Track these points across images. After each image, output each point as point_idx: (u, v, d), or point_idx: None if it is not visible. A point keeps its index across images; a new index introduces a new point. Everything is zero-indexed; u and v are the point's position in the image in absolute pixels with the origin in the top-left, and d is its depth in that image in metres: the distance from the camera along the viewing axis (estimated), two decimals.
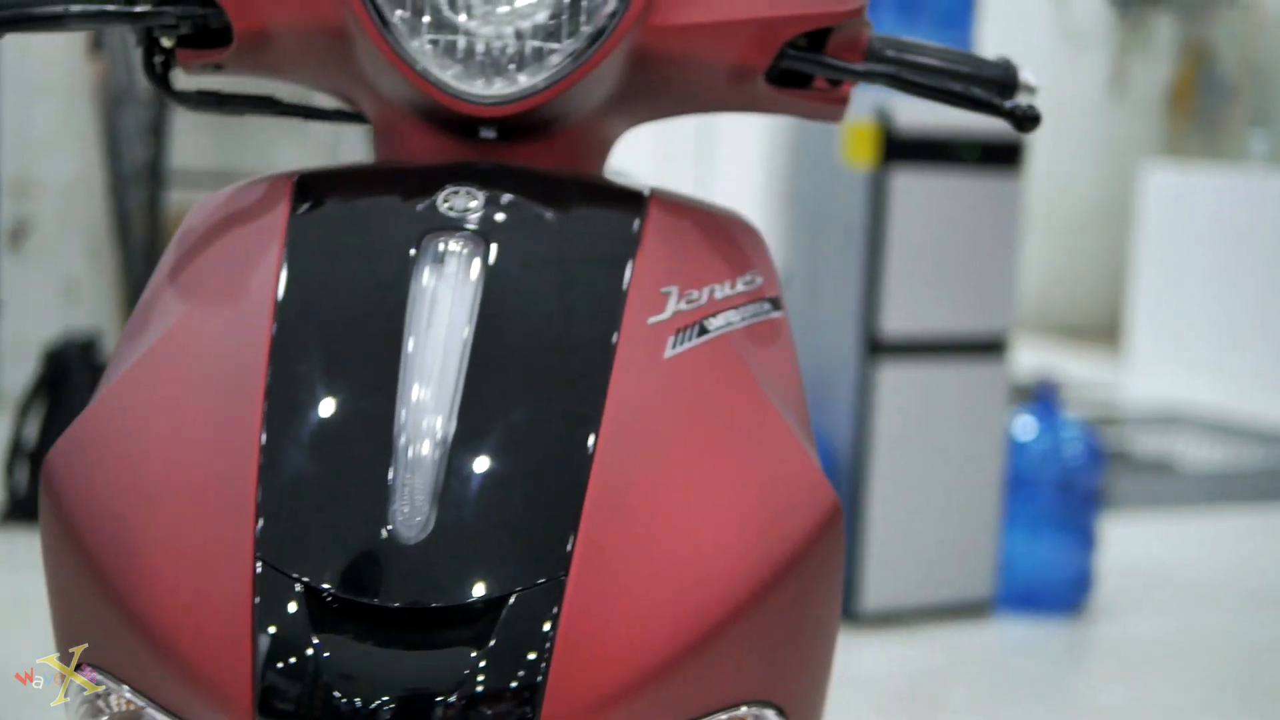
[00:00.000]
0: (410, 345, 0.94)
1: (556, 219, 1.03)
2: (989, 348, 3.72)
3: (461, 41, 1.04)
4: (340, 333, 0.95)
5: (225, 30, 1.09)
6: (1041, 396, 3.86)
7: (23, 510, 4.12)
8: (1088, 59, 9.40)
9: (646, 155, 4.02)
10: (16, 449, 4.17)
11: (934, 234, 3.61)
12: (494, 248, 0.98)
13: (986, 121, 3.63)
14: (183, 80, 1.17)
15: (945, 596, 3.75)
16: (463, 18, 1.04)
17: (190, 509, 0.91)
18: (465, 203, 1.01)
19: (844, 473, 3.66)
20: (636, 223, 1.04)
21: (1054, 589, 3.82)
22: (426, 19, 1.04)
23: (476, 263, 0.98)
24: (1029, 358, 6.32)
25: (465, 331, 0.94)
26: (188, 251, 1.05)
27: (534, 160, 1.09)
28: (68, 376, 4.21)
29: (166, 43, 1.12)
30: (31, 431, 4.19)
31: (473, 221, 1.00)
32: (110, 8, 1.07)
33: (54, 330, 5.18)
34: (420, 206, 1.01)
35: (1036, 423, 3.85)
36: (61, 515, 0.95)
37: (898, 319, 3.59)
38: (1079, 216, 9.46)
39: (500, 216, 1.01)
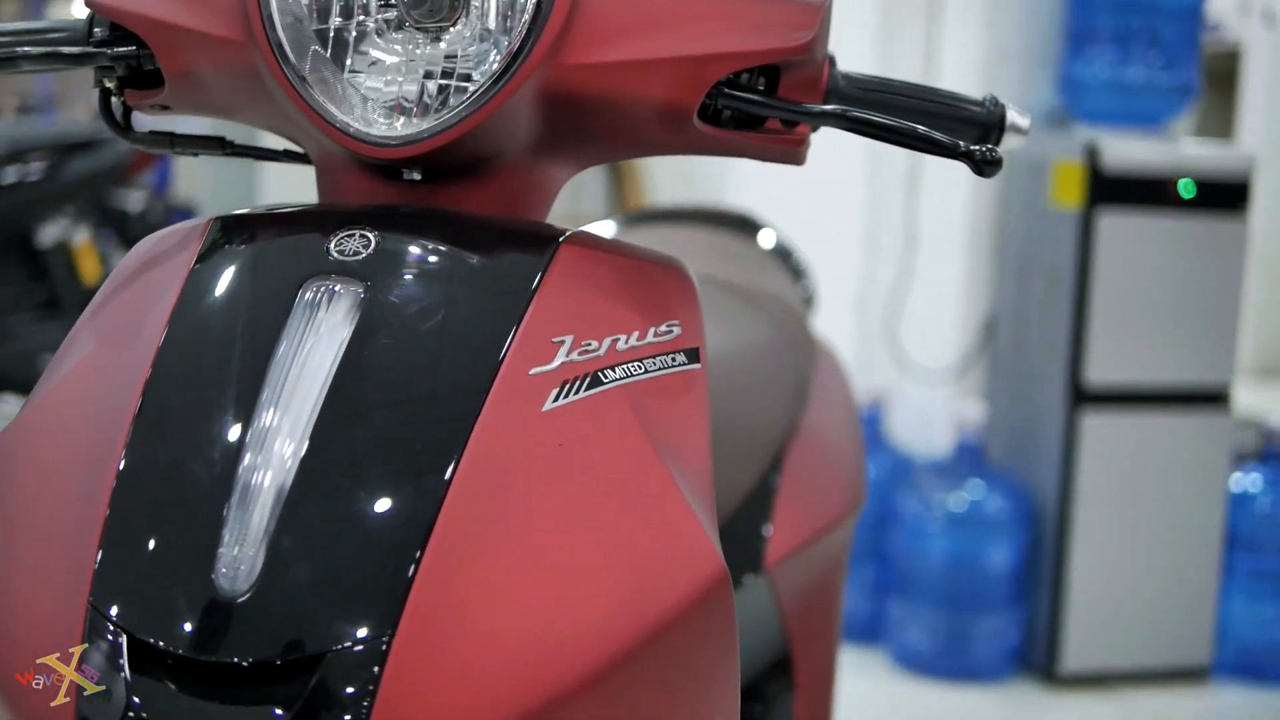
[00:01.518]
0: (265, 395, 0.92)
1: (455, 263, 1.00)
2: (1207, 399, 3.53)
3: (372, 87, 1.03)
4: (207, 376, 0.94)
5: (160, 72, 1.10)
6: (1267, 450, 3.64)
7: None
8: None
9: (858, 200, 3.95)
10: None
11: (1145, 279, 3.44)
12: (374, 292, 0.96)
13: (1205, 160, 3.47)
14: (139, 120, 1.19)
15: (1156, 660, 3.56)
16: (367, 60, 1.03)
17: (44, 555, 0.91)
18: (355, 246, 0.99)
19: (1047, 524, 3.51)
20: (540, 266, 1.00)
21: (1278, 656, 3.59)
22: (337, 65, 1.03)
23: (351, 310, 0.95)
24: (1248, 401, 5.96)
25: (324, 383, 0.92)
26: (112, 292, 1.06)
27: (463, 203, 1.07)
28: None
29: (109, 84, 1.13)
30: None
31: (356, 265, 0.97)
32: (59, 50, 1.10)
33: None
34: (310, 250, 0.99)
35: (1261, 478, 3.63)
36: None
37: (1104, 367, 3.43)
38: None
39: (389, 261, 0.98)
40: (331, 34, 1.03)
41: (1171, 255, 3.46)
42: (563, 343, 0.97)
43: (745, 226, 2.06)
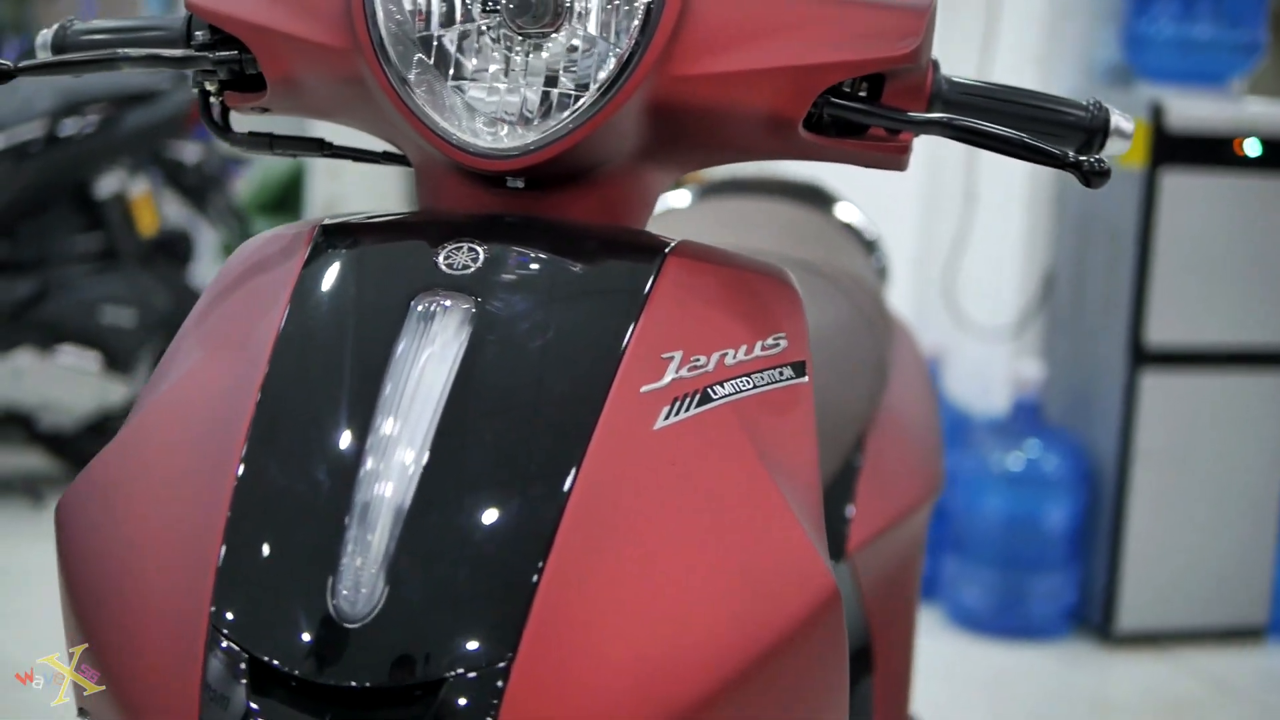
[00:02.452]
0: (381, 411, 0.92)
1: (561, 276, 1.00)
2: (1267, 360, 3.50)
3: (477, 96, 1.03)
4: (319, 396, 0.95)
5: (262, 76, 1.10)
6: None
7: None
8: None
9: (916, 156, 3.92)
10: None
11: (1208, 239, 3.41)
12: (485, 309, 0.96)
13: (1271, 118, 3.43)
14: (238, 121, 1.19)
15: (1211, 619, 3.55)
16: (479, 71, 1.03)
17: (162, 571, 0.92)
18: (464, 260, 0.99)
19: (1105, 484, 3.50)
20: (649, 281, 1.00)
21: None
22: (441, 73, 1.03)
23: (463, 325, 0.95)
24: None
25: (439, 398, 0.93)
26: (214, 298, 1.07)
27: (566, 211, 1.07)
28: None
29: (210, 87, 1.14)
30: None
31: (467, 280, 0.98)
32: (159, 53, 1.10)
33: None
34: (419, 263, 1.00)
35: None
36: (64, 558, 0.98)
37: (1166, 328, 3.41)
38: None
39: (499, 276, 0.98)
40: (435, 42, 1.03)
41: (1235, 215, 3.43)
42: (672, 359, 0.97)
43: (818, 199, 2.05)
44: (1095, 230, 3.54)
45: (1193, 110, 3.36)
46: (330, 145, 1.21)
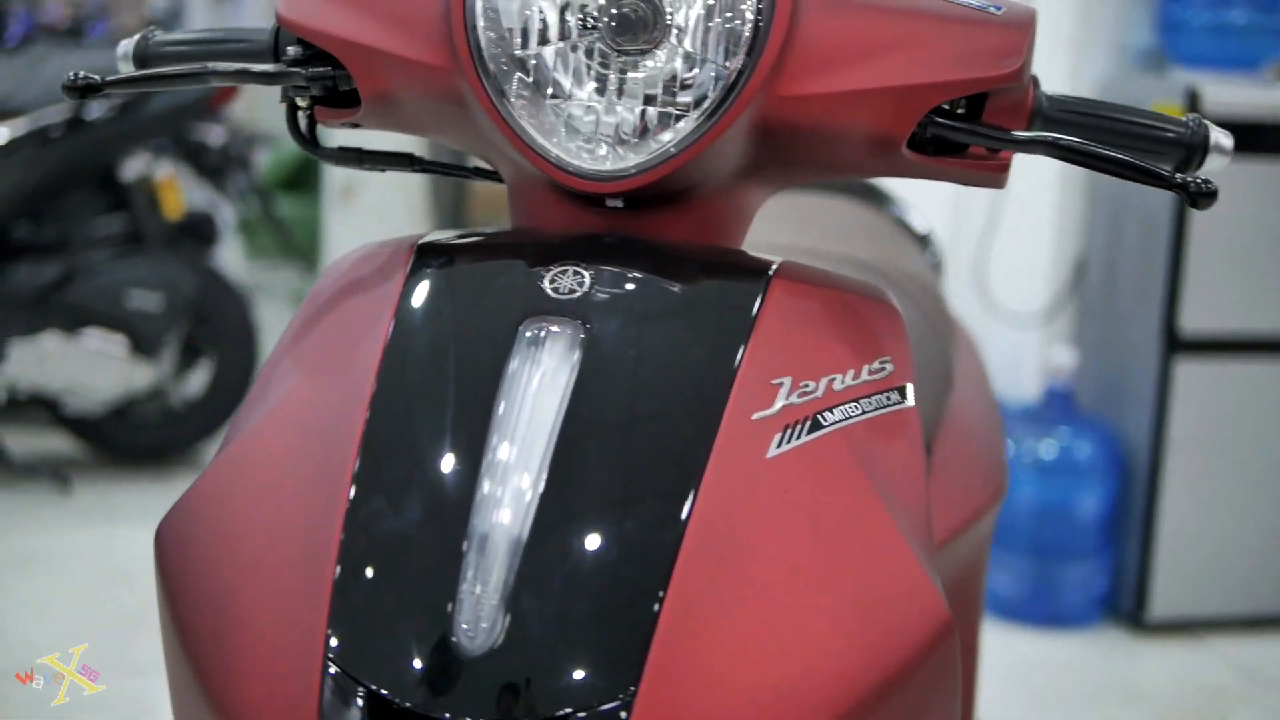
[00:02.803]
0: (495, 436, 0.92)
1: (667, 300, 0.99)
2: None
3: (575, 115, 1.01)
4: (429, 420, 0.94)
5: (356, 92, 1.09)
6: None
7: None
8: None
9: None
10: None
11: (1242, 225, 3.39)
12: (593, 334, 0.95)
13: None
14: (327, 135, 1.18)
15: (1242, 608, 3.55)
16: (582, 90, 1.01)
17: (272, 596, 0.91)
18: (570, 283, 0.98)
19: (1138, 472, 3.49)
20: (755, 304, 0.99)
21: None
22: (539, 91, 1.02)
23: (573, 351, 0.95)
24: None
25: (552, 424, 0.92)
26: (309, 318, 1.06)
27: (665, 230, 1.06)
28: None
29: (301, 102, 1.12)
30: None
31: (574, 304, 0.97)
32: (249, 67, 1.09)
33: None
34: (526, 287, 0.98)
35: None
36: (166, 587, 0.97)
37: (1199, 315, 3.39)
38: None
39: (606, 300, 0.97)
40: (533, 60, 1.02)
41: (1271, 201, 3.41)
42: (781, 384, 0.96)
43: (873, 195, 2.04)
44: (1128, 217, 3.52)
45: (1228, 96, 3.34)
46: (420, 160, 1.19)
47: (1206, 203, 1.02)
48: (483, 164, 1.18)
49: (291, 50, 1.10)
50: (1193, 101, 3.30)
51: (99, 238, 4.08)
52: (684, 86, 1.00)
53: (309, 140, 1.16)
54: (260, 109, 6.75)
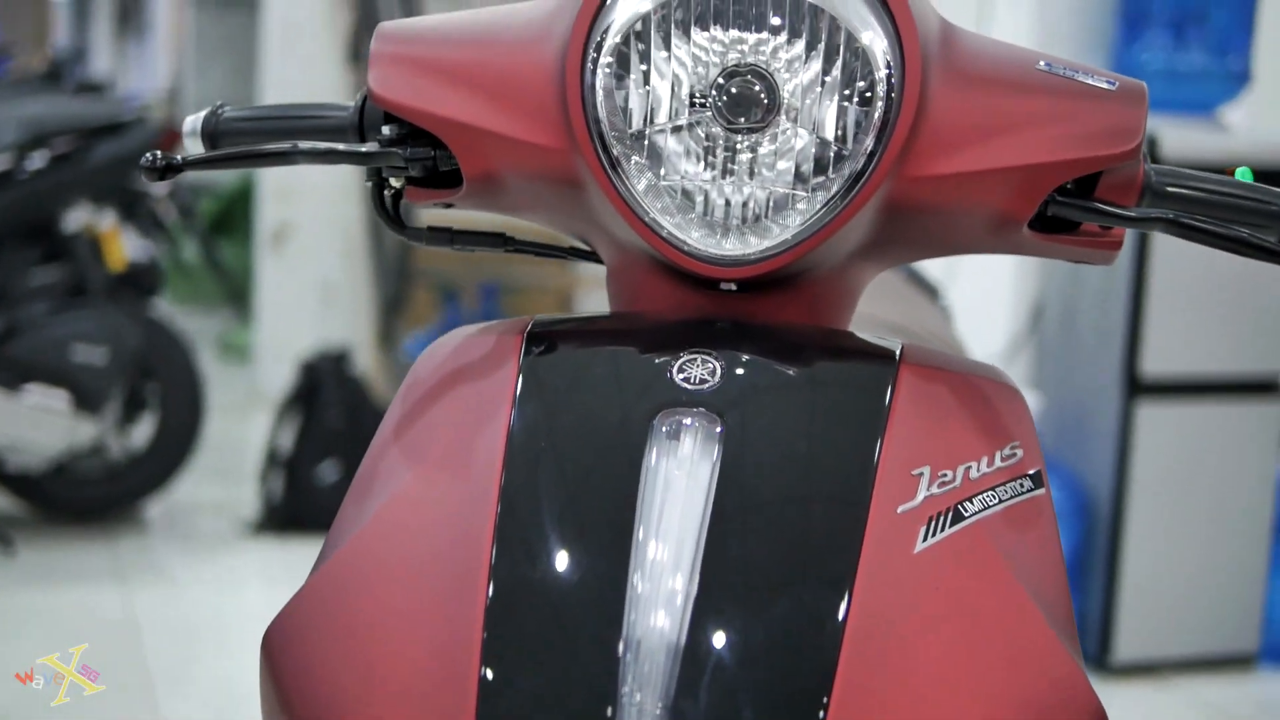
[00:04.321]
0: (640, 534, 0.89)
1: (800, 390, 0.97)
2: (1259, 388, 3.52)
3: (699, 196, 0.99)
4: (568, 515, 0.91)
5: (455, 172, 1.05)
6: None
7: (276, 520, 4.21)
8: None
9: None
10: (272, 458, 4.27)
11: (1202, 268, 3.43)
12: (731, 427, 0.93)
13: (1260, 145, 3.45)
14: (413, 214, 1.14)
15: (1205, 648, 3.57)
16: (701, 170, 0.98)
17: (409, 699, 0.87)
18: (701, 373, 0.95)
19: (1101, 516, 3.51)
20: (887, 392, 0.96)
21: None
22: (662, 171, 0.99)
23: (712, 445, 0.92)
24: None
25: (699, 521, 0.89)
26: (414, 407, 1.02)
27: (777, 313, 1.03)
28: (321, 390, 4.29)
29: (395, 182, 1.08)
30: (287, 441, 4.28)
31: (708, 396, 0.94)
32: (339, 146, 1.05)
33: (310, 331, 5.31)
34: (654, 377, 0.95)
35: None
36: (279, 691, 0.93)
37: (1161, 358, 3.42)
38: None
39: (738, 390, 0.95)
40: (651, 140, 0.99)
41: None
42: (921, 475, 0.94)
43: None
44: None
45: (1185, 140, 3.37)
46: (514, 240, 1.16)
47: None
48: (579, 244, 1.15)
49: (386, 129, 1.06)
50: (1152, 146, 3.33)
51: (39, 289, 3.98)
52: (817, 169, 0.98)
53: (397, 220, 1.12)
54: None
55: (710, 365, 0.96)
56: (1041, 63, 1.05)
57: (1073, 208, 1.03)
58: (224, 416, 4.96)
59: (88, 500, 4.17)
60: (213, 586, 3.88)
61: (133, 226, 4.20)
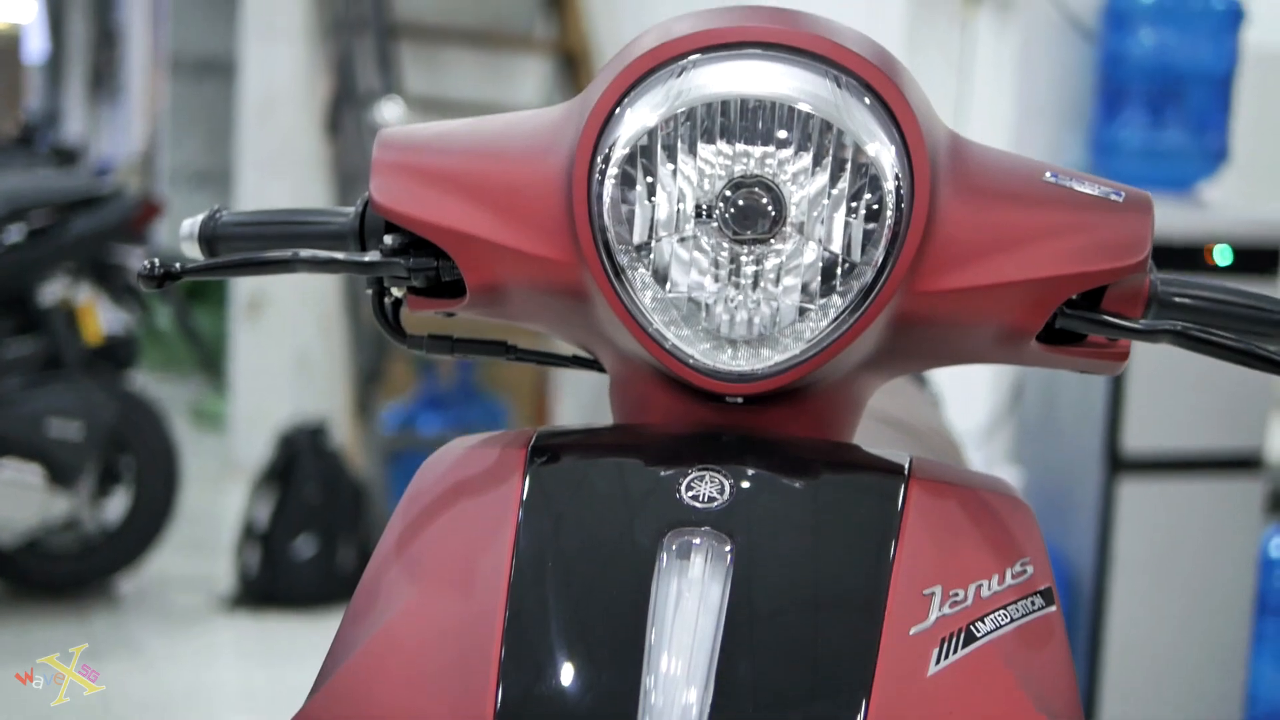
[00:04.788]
0: (652, 652, 0.87)
1: (810, 509, 0.95)
2: (1241, 464, 3.52)
3: (706, 309, 0.97)
4: (577, 633, 0.89)
5: (458, 281, 1.04)
6: None
7: (251, 595, 4.17)
8: None
9: None
10: (248, 532, 4.23)
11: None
12: (741, 547, 0.91)
13: (1238, 223, 3.47)
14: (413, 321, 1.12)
15: None
16: (708, 282, 0.97)
17: None
18: (709, 491, 0.94)
19: (1083, 591, 3.49)
20: (897, 510, 0.95)
21: None
22: (668, 284, 0.97)
23: (722, 565, 0.91)
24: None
25: (712, 641, 0.88)
26: (415, 521, 1.00)
27: (784, 424, 1.02)
28: (298, 463, 4.26)
29: (397, 291, 1.07)
30: (263, 514, 4.25)
31: (718, 515, 0.92)
32: (340, 256, 1.03)
33: (286, 401, 5.28)
34: (663, 495, 0.94)
35: None
36: None
37: (1142, 435, 3.42)
38: None
39: (747, 509, 0.93)
40: (658, 253, 0.98)
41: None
42: (933, 594, 0.93)
43: None
44: None
45: (1164, 218, 3.38)
46: (516, 349, 1.14)
47: None
48: (582, 353, 1.14)
49: (389, 239, 1.05)
50: None
51: (14, 362, 3.95)
52: (825, 283, 0.97)
53: (398, 329, 1.10)
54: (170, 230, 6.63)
55: (719, 483, 0.94)
56: (1048, 174, 1.04)
57: (1081, 320, 1.02)
58: (198, 487, 4.92)
59: (61, 575, 4.12)
60: (187, 663, 3.83)
61: (108, 297, 4.17)
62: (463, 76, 5.64)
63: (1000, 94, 3.64)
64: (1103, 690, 3.45)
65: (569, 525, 0.95)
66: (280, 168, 5.59)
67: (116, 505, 4.18)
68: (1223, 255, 3.41)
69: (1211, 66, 3.53)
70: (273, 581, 4.17)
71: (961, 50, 3.66)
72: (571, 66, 5.54)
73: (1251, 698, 3.61)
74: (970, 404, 3.74)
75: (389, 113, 4.27)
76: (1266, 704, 3.61)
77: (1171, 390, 3.44)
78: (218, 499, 5.20)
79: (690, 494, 0.94)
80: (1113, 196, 1.04)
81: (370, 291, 1.09)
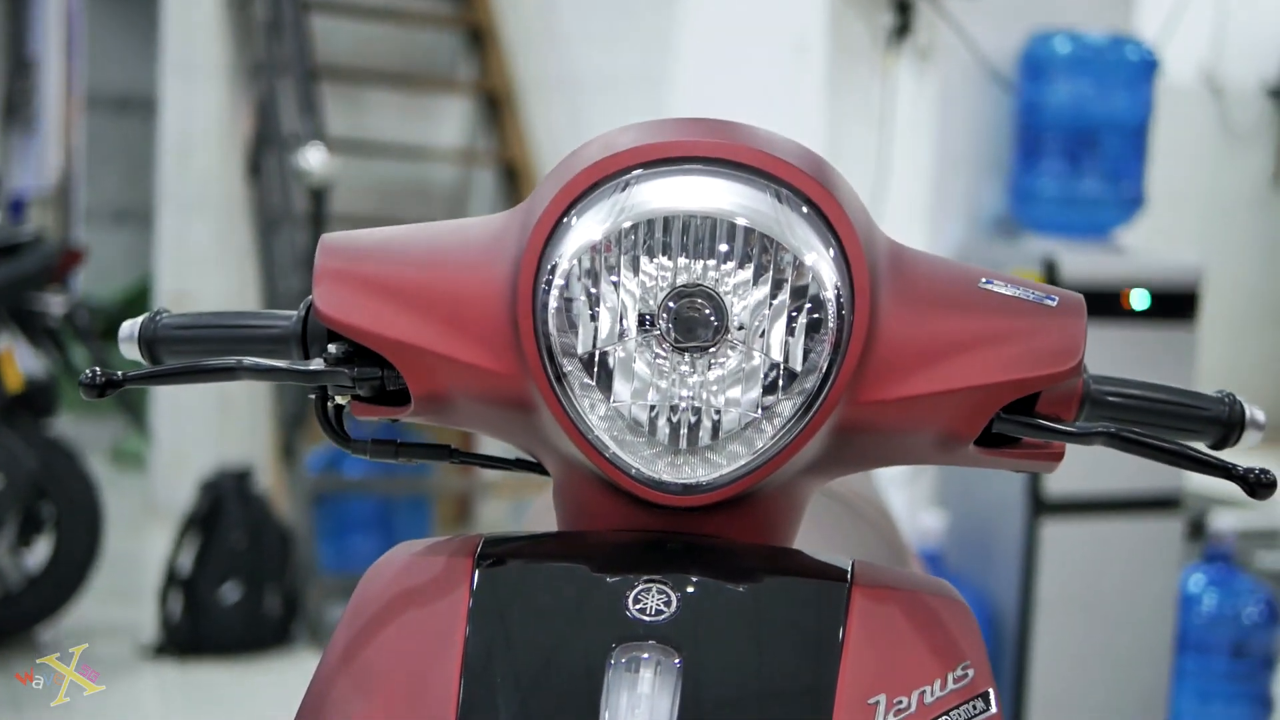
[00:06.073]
0: None
1: (756, 619, 0.97)
2: (1160, 504, 3.58)
3: (649, 420, 0.99)
4: None
5: (402, 390, 1.05)
6: (1215, 553, 3.71)
7: (175, 643, 4.13)
8: (1248, 154, 9.16)
9: None
10: (171, 578, 4.19)
11: None
12: (689, 661, 0.93)
13: (1155, 268, 3.54)
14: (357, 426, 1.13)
15: None
16: (653, 394, 0.99)
17: None
18: (656, 604, 0.95)
19: (1006, 632, 3.54)
20: (841, 618, 0.97)
21: None
22: (613, 396, 0.99)
23: (671, 678, 0.92)
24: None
25: None
26: (361, 632, 1.00)
27: (728, 531, 1.03)
28: (223, 508, 4.23)
29: (340, 400, 1.07)
30: (187, 561, 4.21)
31: (665, 628, 0.94)
32: (283, 365, 1.03)
33: (208, 444, 5.23)
34: (610, 608, 0.95)
35: (1209, 582, 3.70)
36: None
37: (1063, 478, 3.47)
38: (1246, 315, 9.19)
39: (694, 622, 0.95)
40: (603, 363, 0.99)
41: (1124, 366, 3.50)
42: (877, 704, 0.94)
43: None
44: None
45: (1084, 264, 3.44)
46: (459, 452, 1.15)
47: (1266, 493, 1.03)
48: (526, 456, 1.14)
49: (333, 347, 1.05)
50: (1050, 270, 3.40)
51: None
52: (768, 394, 0.98)
53: (341, 434, 1.11)
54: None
55: (666, 595, 0.96)
56: (983, 280, 1.06)
57: (1017, 425, 1.04)
58: (120, 531, 4.88)
59: None
60: (112, 714, 3.78)
61: (27, 342, 4.13)
62: (385, 118, 5.63)
63: (920, 143, 3.69)
64: None
65: (517, 639, 0.96)
66: (201, 208, 5.56)
67: (38, 553, 4.14)
68: (1140, 300, 3.48)
69: (1127, 115, 3.60)
70: (197, 629, 4.14)
71: (882, 99, 3.70)
72: (494, 107, 5.55)
73: None
74: None
75: (313, 158, 4.26)
76: None
77: None
78: (140, 543, 5.15)
79: (637, 606, 0.95)
80: (1046, 301, 1.06)
81: (314, 397, 1.09)
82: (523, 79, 5.53)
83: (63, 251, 4.03)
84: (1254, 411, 1.12)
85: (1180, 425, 1.11)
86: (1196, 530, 4.21)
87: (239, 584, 4.17)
